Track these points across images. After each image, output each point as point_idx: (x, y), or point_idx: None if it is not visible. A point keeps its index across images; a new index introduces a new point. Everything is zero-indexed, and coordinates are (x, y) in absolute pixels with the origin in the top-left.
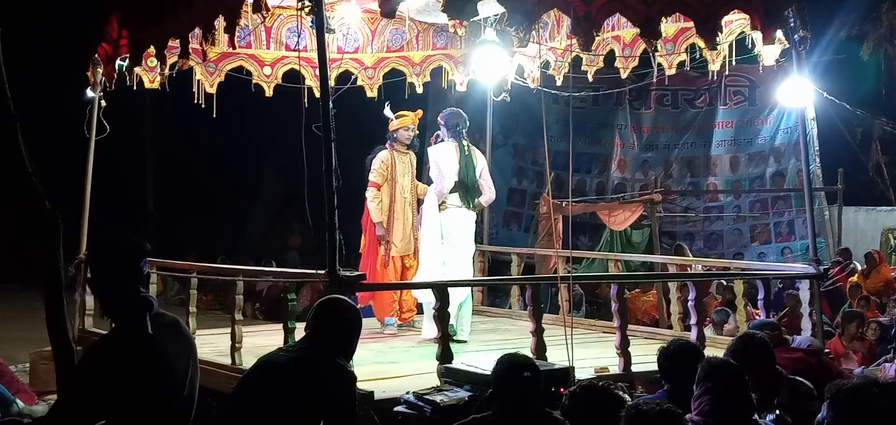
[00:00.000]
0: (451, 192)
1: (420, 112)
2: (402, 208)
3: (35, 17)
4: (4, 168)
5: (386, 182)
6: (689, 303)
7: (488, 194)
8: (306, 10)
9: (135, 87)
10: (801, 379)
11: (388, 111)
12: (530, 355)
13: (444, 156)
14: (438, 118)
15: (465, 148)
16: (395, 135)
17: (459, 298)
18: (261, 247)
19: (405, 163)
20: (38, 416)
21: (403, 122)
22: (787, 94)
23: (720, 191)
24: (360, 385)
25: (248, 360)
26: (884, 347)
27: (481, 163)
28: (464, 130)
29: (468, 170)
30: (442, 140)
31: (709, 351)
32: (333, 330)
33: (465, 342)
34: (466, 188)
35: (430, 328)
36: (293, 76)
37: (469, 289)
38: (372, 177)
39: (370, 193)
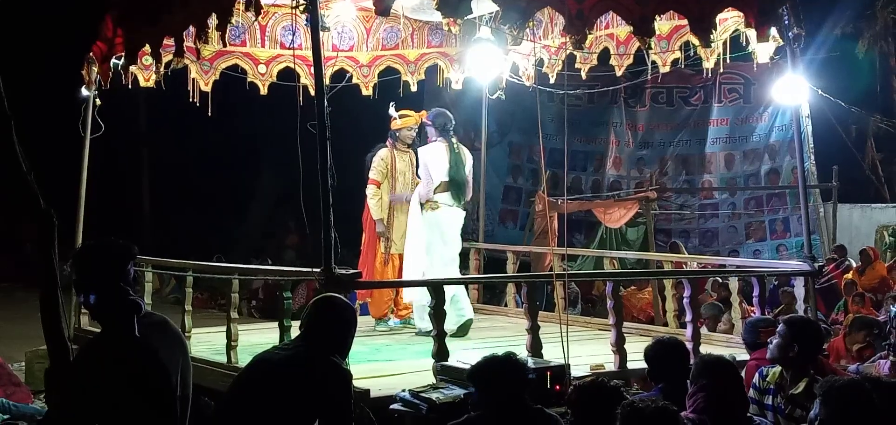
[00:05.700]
0: (442, 191)
1: (424, 113)
2: (402, 205)
3: (30, 16)
4: None
5: (386, 179)
6: (685, 301)
7: (469, 192)
8: (301, 7)
9: (130, 86)
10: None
11: (392, 110)
12: (526, 352)
13: (434, 157)
14: (424, 118)
15: (455, 146)
16: (397, 134)
17: (450, 292)
18: (257, 246)
19: (405, 162)
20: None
21: (407, 122)
22: (781, 91)
23: (715, 188)
24: (355, 383)
25: (243, 359)
26: (878, 344)
27: (469, 161)
28: (451, 128)
29: (458, 169)
30: (432, 140)
31: (704, 349)
32: (329, 328)
33: (470, 319)
34: (457, 186)
35: (422, 322)
36: (288, 74)
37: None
38: (372, 174)
39: (370, 191)
